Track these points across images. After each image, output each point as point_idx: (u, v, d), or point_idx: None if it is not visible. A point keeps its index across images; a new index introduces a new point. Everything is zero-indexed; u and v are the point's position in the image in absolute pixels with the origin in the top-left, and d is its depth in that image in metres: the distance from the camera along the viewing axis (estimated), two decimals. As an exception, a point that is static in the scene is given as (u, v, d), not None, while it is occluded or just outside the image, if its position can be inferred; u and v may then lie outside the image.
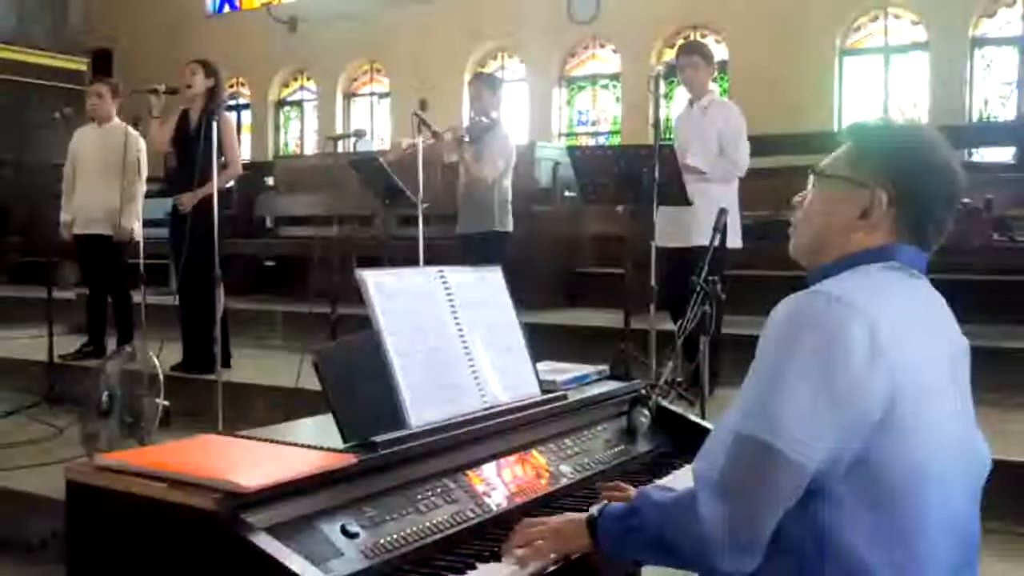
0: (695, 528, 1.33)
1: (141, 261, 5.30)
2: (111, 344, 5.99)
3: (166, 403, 4.46)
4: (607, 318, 5.55)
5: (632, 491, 1.69)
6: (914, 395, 1.32)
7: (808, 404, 1.29)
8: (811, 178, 1.55)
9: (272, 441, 1.69)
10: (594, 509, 1.54)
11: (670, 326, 4.72)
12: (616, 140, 12.25)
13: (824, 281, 1.42)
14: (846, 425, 1.29)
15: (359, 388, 1.68)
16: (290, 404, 4.16)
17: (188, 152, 5.31)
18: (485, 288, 2.03)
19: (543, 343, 4.09)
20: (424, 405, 1.73)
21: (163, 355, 4.95)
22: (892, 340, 1.31)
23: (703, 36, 11.17)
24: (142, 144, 5.85)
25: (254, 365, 5.77)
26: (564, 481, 1.92)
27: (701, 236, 4.57)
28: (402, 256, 5.75)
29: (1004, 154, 8.60)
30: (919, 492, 1.31)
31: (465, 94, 12.55)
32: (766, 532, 1.32)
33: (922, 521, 1.32)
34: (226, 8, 15.68)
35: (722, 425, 1.40)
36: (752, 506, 1.31)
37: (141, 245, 5.47)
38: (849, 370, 1.29)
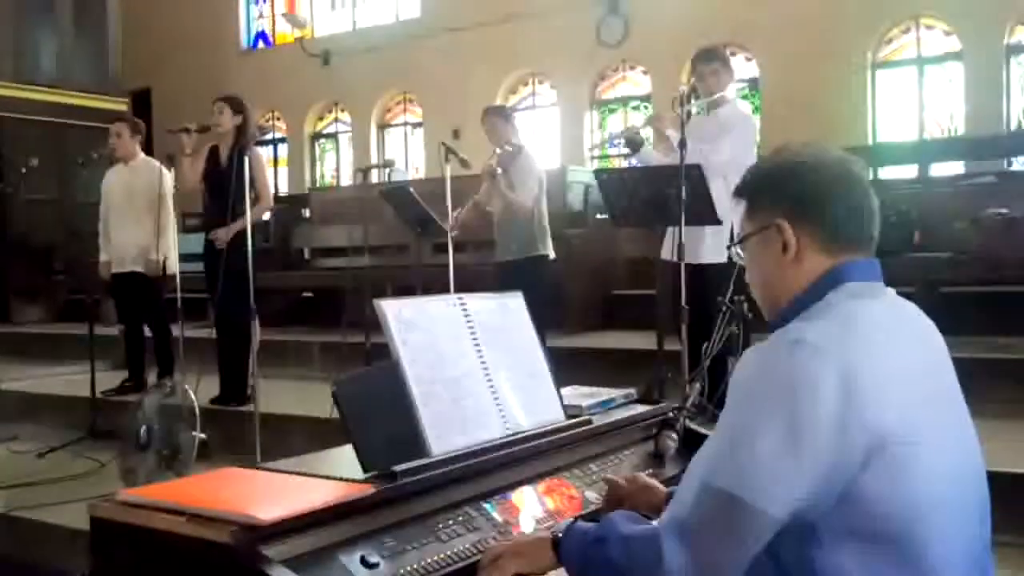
0: (657, 572, 1.33)
1: (178, 295, 5.37)
2: (152, 379, 6.07)
3: (203, 436, 4.51)
4: (641, 340, 5.52)
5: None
6: (903, 431, 1.28)
7: (772, 452, 1.27)
8: (737, 257, 1.58)
9: (294, 473, 1.69)
10: (560, 526, 1.53)
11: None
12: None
13: (791, 324, 1.39)
14: (821, 470, 1.26)
15: (379, 417, 1.69)
16: (326, 434, 4.17)
17: (220, 188, 5.36)
18: (506, 314, 2.02)
19: (577, 367, 4.06)
20: (445, 433, 1.73)
21: (201, 388, 5.01)
22: (871, 381, 1.28)
23: (733, 55, 11.12)
24: (169, 178, 5.92)
25: (292, 396, 5.81)
26: (590, 507, 1.90)
27: (712, 253, 4.53)
28: (436, 284, 5.78)
29: (1044, 162, 8.46)
30: (920, 525, 1.28)
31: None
32: None
33: (927, 553, 1.28)
34: (260, 44, 15.95)
35: (692, 471, 1.39)
36: (716, 556, 1.31)
37: (178, 279, 5.54)
38: (817, 415, 1.26)
